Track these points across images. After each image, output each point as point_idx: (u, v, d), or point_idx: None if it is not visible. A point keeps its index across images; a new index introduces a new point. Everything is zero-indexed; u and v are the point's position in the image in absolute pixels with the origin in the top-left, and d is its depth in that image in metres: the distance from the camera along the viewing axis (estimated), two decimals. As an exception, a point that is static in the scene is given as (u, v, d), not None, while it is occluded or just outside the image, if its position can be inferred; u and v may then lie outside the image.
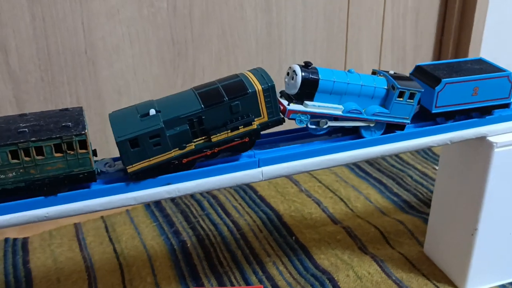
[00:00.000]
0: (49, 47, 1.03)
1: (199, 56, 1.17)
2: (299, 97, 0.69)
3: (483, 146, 0.80)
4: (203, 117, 0.63)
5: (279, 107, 0.67)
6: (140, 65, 1.12)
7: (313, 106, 0.68)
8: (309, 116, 0.69)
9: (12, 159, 0.56)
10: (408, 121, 0.74)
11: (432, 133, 0.76)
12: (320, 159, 0.69)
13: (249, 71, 0.67)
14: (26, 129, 0.57)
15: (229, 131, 0.65)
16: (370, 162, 1.36)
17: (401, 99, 0.71)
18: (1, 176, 0.57)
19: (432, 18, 1.43)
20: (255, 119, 0.66)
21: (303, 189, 1.24)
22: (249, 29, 1.20)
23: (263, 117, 0.66)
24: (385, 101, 0.72)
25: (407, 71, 1.45)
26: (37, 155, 0.57)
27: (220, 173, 0.66)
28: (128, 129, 0.60)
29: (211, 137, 0.64)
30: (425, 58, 1.47)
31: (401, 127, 0.74)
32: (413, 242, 1.03)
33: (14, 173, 0.57)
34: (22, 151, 0.56)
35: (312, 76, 0.67)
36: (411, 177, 1.29)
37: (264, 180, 0.68)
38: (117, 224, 1.11)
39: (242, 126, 0.65)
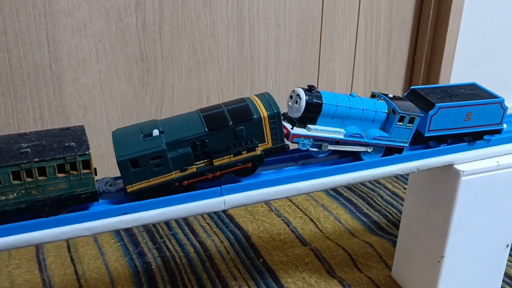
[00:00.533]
0: (11, 60, 0.99)
1: (168, 73, 1.15)
2: (302, 121, 0.69)
3: (450, 174, 0.80)
4: (206, 141, 0.63)
5: (284, 134, 0.67)
6: (107, 81, 1.10)
7: (316, 130, 0.69)
8: (312, 140, 0.69)
9: (14, 180, 0.55)
10: (407, 145, 0.74)
11: (423, 156, 0.77)
12: (283, 188, 0.68)
13: (255, 95, 0.67)
14: (29, 149, 0.56)
15: (232, 155, 0.64)
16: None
17: (401, 123, 0.72)
18: (2, 198, 0.55)
19: (405, 38, 1.44)
20: (259, 145, 0.65)
21: (273, 208, 1.23)
22: (221, 47, 1.19)
23: (267, 143, 0.66)
24: (385, 125, 0.73)
25: (379, 90, 1.46)
26: (39, 175, 0.56)
27: (181, 202, 0.64)
28: (130, 149, 0.60)
29: (213, 161, 0.63)
30: (398, 78, 1.48)
31: (400, 150, 0.74)
32: (381, 266, 1.02)
33: (15, 194, 0.56)
34: (24, 172, 0.55)
35: (316, 100, 0.67)
36: (381, 197, 1.28)
37: (227, 209, 0.66)
38: (80, 244, 1.08)
39: (245, 151, 0.64)
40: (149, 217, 0.62)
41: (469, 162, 0.80)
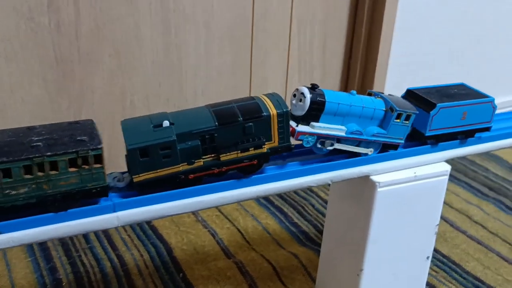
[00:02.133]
0: None
1: (87, 77, 1.09)
2: (306, 119, 0.70)
3: (367, 185, 0.77)
4: (216, 135, 0.63)
5: (290, 134, 0.68)
6: (18, 85, 1.02)
7: (320, 128, 0.70)
8: (315, 137, 0.70)
9: (25, 174, 0.54)
10: (403, 141, 0.77)
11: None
12: (182, 202, 0.64)
13: (264, 95, 0.68)
14: (40, 143, 0.55)
15: (239, 151, 0.65)
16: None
17: (398, 120, 0.75)
18: (12, 192, 0.54)
19: (340, 43, 1.42)
20: (266, 143, 0.66)
21: (200, 219, 1.18)
22: (145, 50, 1.13)
23: (274, 142, 0.67)
24: (383, 122, 0.75)
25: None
26: (51, 170, 0.55)
27: (68, 219, 0.59)
28: (140, 138, 0.59)
29: (221, 155, 0.64)
30: (333, 82, 1.46)
31: (395, 147, 0.77)
32: (306, 279, 0.99)
33: (26, 189, 0.54)
34: (36, 166, 0.54)
35: (320, 99, 0.69)
36: (313, 205, 1.26)
37: (121, 225, 0.61)
38: (-14, 260, 1.00)
39: (252, 148, 0.65)
40: (29, 237, 0.56)
41: (386, 173, 0.77)
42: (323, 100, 0.70)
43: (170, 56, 1.17)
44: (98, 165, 0.57)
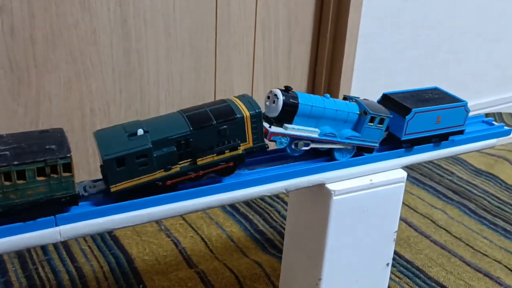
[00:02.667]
0: None
1: (44, 84, 1.06)
2: (279, 120, 0.71)
3: (322, 193, 0.76)
4: (191, 140, 0.63)
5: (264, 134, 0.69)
6: (-31, 93, 0.99)
7: (293, 129, 0.71)
8: (289, 139, 0.71)
9: None
10: (377, 145, 0.78)
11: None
12: (129, 215, 0.62)
13: (235, 97, 0.68)
14: (8, 152, 0.54)
15: (215, 154, 0.65)
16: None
17: (372, 124, 0.76)
18: None
19: (305, 49, 1.42)
20: (241, 144, 0.67)
21: (163, 228, 1.16)
22: (104, 56, 1.11)
23: (248, 143, 0.68)
24: (357, 126, 0.76)
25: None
26: (18, 179, 0.54)
27: (5, 235, 0.56)
28: (115, 148, 0.59)
29: (197, 160, 0.64)
30: (299, 87, 1.46)
31: (370, 150, 0.78)
32: None
33: None
34: (2, 175, 0.53)
35: (293, 101, 0.70)
36: (279, 212, 1.25)
37: (64, 240, 0.59)
38: None
39: (228, 151, 0.66)
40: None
41: (341, 181, 0.77)
42: (296, 102, 0.70)
43: (130, 62, 1.15)
44: (67, 174, 0.56)
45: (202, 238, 1.13)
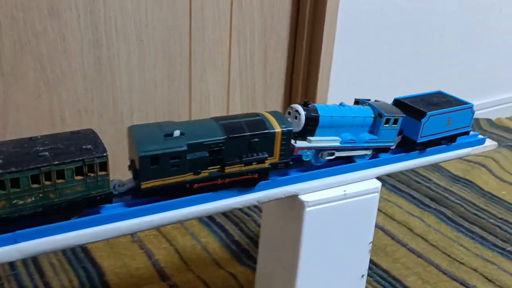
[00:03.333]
0: None
1: (12, 92, 1.03)
2: (302, 134, 0.73)
3: (295, 205, 0.75)
4: (223, 147, 0.65)
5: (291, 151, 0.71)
6: None
7: (316, 141, 0.74)
8: (314, 151, 0.74)
9: (33, 183, 0.54)
10: (393, 144, 0.81)
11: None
12: (94, 230, 0.60)
13: (267, 112, 0.71)
14: (47, 153, 0.55)
15: (243, 165, 0.67)
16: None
17: (387, 125, 0.79)
18: (20, 202, 0.54)
19: (282, 56, 1.41)
20: (268, 158, 0.69)
21: (137, 239, 1.13)
22: (75, 64, 1.08)
23: (275, 158, 0.70)
24: (373, 128, 0.79)
25: (258, 110, 1.42)
26: (57, 178, 0.55)
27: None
28: (152, 146, 0.60)
29: (225, 167, 0.66)
30: (276, 97, 1.45)
31: (387, 150, 0.82)
32: (243, 300, 0.96)
33: (33, 198, 0.55)
34: (43, 175, 0.54)
35: (314, 114, 0.73)
36: (256, 222, 1.23)
37: (22, 258, 0.56)
38: None
39: (255, 163, 0.68)
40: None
41: (314, 191, 0.75)
42: (317, 115, 0.73)
43: (102, 70, 1.12)
44: (103, 173, 0.58)
45: (177, 250, 1.11)
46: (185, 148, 0.62)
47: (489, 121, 2.04)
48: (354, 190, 0.77)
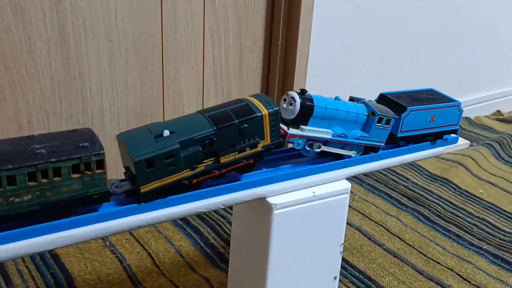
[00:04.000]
0: None
1: (-25, 95, 1.00)
2: (295, 122, 0.73)
3: (263, 207, 0.73)
4: (214, 139, 0.65)
5: (281, 131, 0.71)
6: None
7: (309, 131, 0.74)
8: (305, 140, 0.74)
9: (29, 181, 0.54)
10: (383, 144, 0.81)
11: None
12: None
13: (251, 96, 0.71)
14: (44, 150, 0.55)
15: (237, 152, 0.67)
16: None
17: (380, 124, 0.79)
18: (16, 200, 0.54)
19: (257, 56, 1.39)
20: (260, 142, 0.69)
21: (108, 244, 1.11)
22: (41, 65, 1.05)
23: (267, 140, 0.70)
24: (365, 126, 0.79)
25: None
26: (54, 176, 0.55)
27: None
28: (144, 149, 0.61)
29: (220, 158, 0.66)
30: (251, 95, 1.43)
31: (376, 149, 0.81)
32: (215, 304, 0.95)
33: (30, 196, 0.55)
34: (40, 173, 0.54)
35: (309, 103, 0.72)
36: (231, 223, 1.21)
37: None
38: None
39: (248, 148, 0.68)
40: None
41: (283, 194, 0.74)
42: (312, 104, 0.73)
43: (70, 70, 1.09)
44: (100, 171, 0.58)
45: (149, 254, 1.08)
46: (177, 146, 0.62)
47: (468, 119, 2.04)
48: (324, 191, 0.76)
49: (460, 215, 1.32)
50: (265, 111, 0.68)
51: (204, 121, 0.66)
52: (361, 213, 1.30)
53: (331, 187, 0.77)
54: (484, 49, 2.00)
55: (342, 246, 0.82)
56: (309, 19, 1.36)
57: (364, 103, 0.80)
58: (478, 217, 1.31)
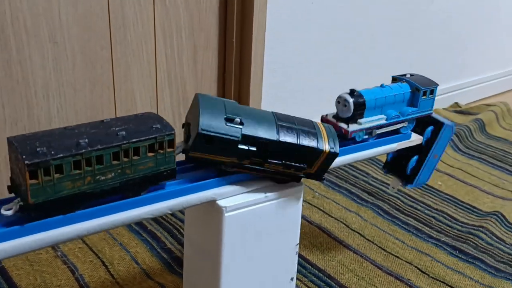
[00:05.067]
0: None
1: None
2: (352, 118, 0.84)
3: (214, 210, 0.71)
4: (271, 146, 0.69)
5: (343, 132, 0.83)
6: None
7: (366, 123, 0.84)
8: (364, 131, 0.85)
9: (113, 160, 0.59)
10: (431, 111, 0.94)
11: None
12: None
13: (323, 124, 0.76)
14: (124, 132, 0.60)
15: (282, 167, 0.71)
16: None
17: (425, 96, 0.91)
18: (102, 178, 0.59)
19: (212, 54, 1.36)
20: (306, 169, 0.73)
21: (60, 254, 1.06)
22: (-20, 69, 1.00)
23: (312, 170, 0.74)
24: (412, 101, 0.91)
25: (188, 107, 1.36)
26: (133, 155, 0.61)
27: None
28: (212, 126, 0.65)
29: (265, 164, 0.70)
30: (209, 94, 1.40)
31: (428, 117, 0.95)
32: (172, 312, 0.92)
33: (113, 174, 0.60)
34: (122, 152, 0.59)
35: (360, 100, 0.83)
36: (189, 227, 1.18)
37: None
38: None
39: (293, 169, 0.72)
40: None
41: (232, 196, 0.72)
42: (363, 100, 0.83)
43: (13, 75, 1.04)
44: (171, 149, 0.63)
45: (103, 262, 1.05)
46: (239, 138, 0.66)
47: (426, 112, 2.07)
48: (276, 192, 0.74)
49: (419, 208, 1.32)
50: (326, 149, 0.71)
51: (273, 127, 0.69)
52: (321, 210, 1.29)
53: (284, 187, 0.75)
54: (440, 42, 2.03)
55: (298, 246, 0.81)
56: (263, 16, 1.34)
57: (407, 81, 0.91)
58: (436, 209, 1.32)
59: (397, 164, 1.05)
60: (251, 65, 1.37)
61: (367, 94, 0.84)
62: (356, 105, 0.83)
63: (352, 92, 0.83)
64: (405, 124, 0.91)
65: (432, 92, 0.92)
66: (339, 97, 0.84)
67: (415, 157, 1.00)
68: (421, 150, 1.00)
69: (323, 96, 1.62)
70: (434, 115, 0.97)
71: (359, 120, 0.84)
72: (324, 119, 0.86)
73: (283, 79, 1.51)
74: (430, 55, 2.01)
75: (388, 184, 1.43)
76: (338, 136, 0.77)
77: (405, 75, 0.93)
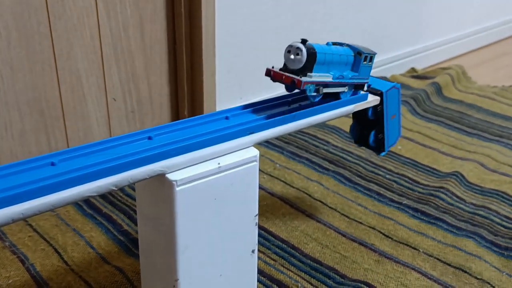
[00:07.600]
0: None
1: None
2: (302, 71, 0.77)
3: (164, 185, 0.67)
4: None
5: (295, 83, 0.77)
6: None
7: (317, 76, 0.79)
8: (314, 86, 0.79)
9: None
10: (368, 80, 0.90)
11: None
12: None
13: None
14: None
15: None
16: (104, 195, 1.17)
17: (365, 62, 0.87)
18: None
19: (160, 27, 1.30)
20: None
21: (8, 244, 1.00)
22: None
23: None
24: (353, 66, 0.87)
25: (140, 86, 1.31)
26: None
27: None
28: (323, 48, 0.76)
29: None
30: (161, 70, 1.34)
31: (363, 86, 0.89)
32: (130, 295, 0.88)
33: None
34: None
35: (312, 51, 0.77)
36: (147, 207, 1.14)
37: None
38: None
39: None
40: None
41: (183, 168, 0.67)
42: (315, 51, 0.77)
43: None
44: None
45: (56, 249, 0.99)
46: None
47: (384, 78, 2.06)
48: (229, 161, 0.70)
49: (380, 173, 1.32)
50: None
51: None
52: (282, 181, 1.26)
53: (238, 156, 0.71)
54: (396, 5, 2.01)
55: (257, 217, 0.78)
56: (211, -16, 1.28)
57: (348, 45, 0.87)
58: (397, 173, 1.32)
59: (363, 139, 1.05)
60: (202, 35, 1.31)
61: (318, 47, 0.79)
62: (309, 55, 0.76)
63: (304, 42, 0.77)
64: (345, 89, 0.86)
65: (371, 59, 0.88)
66: (290, 46, 0.76)
67: (372, 132, 1.00)
68: (375, 124, 0.99)
69: (276, 64, 1.58)
70: (372, 86, 0.95)
71: (310, 74, 0.78)
72: (270, 71, 0.78)
73: (237, 49, 1.46)
74: (385, 20, 2.00)
75: (350, 152, 1.42)
76: (286, 95, 0.76)
77: (342, 44, 0.88)
